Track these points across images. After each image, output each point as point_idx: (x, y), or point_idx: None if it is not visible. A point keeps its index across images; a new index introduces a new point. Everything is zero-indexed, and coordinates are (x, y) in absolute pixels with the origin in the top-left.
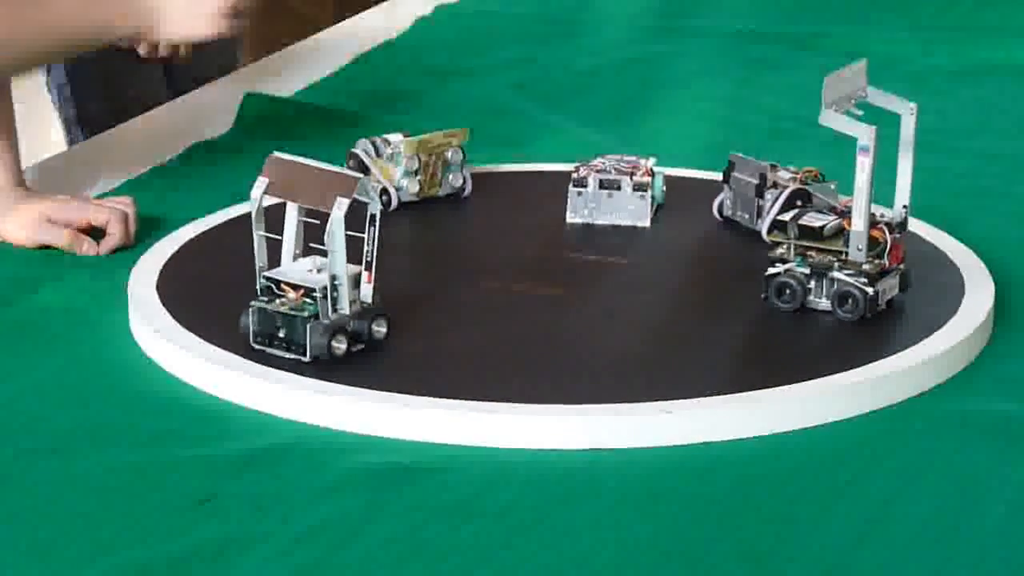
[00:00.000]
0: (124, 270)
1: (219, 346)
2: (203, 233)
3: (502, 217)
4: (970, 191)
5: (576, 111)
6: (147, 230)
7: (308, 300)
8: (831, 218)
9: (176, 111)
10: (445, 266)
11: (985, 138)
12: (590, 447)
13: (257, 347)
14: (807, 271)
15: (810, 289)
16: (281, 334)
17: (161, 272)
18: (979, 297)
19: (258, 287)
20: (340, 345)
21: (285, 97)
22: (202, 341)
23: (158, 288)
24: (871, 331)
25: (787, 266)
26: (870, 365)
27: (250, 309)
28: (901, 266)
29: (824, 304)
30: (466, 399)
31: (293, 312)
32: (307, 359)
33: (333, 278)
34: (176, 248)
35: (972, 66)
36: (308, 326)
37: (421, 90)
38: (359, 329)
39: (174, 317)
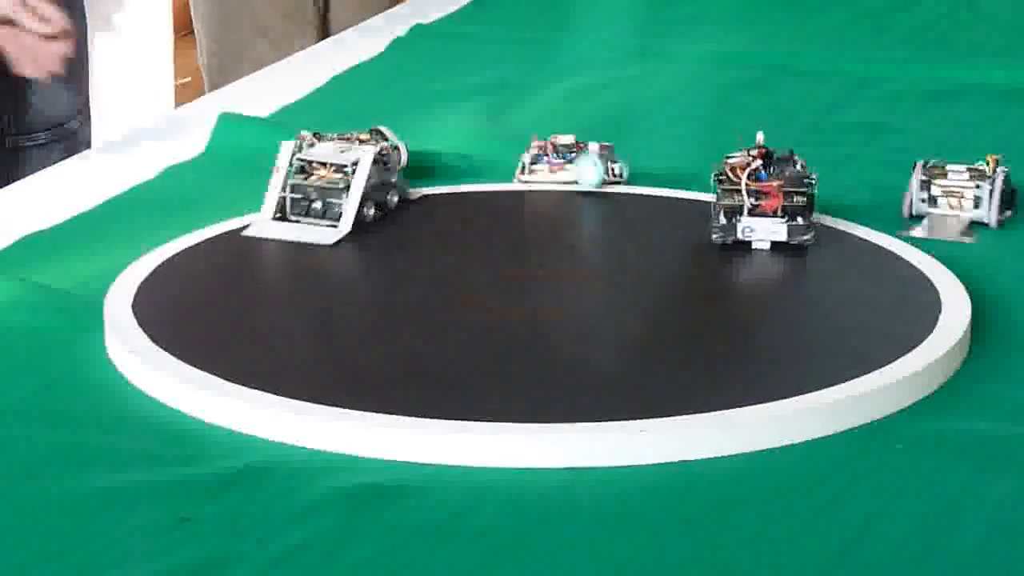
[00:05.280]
0: (99, 290)
1: (195, 366)
2: (178, 253)
3: (475, 236)
4: None
5: (552, 133)
6: (122, 250)
7: (338, 175)
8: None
9: (150, 132)
10: (419, 286)
11: (961, 158)
12: (566, 466)
13: (293, 218)
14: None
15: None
16: (316, 206)
17: (137, 292)
18: (956, 315)
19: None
20: (370, 211)
21: (260, 118)
22: (178, 361)
23: (134, 308)
24: (848, 349)
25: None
26: (847, 383)
27: (288, 183)
28: (799, 219)
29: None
30: (442, 418)
31: (328, 185)
32: (341, 226)
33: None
34: (151, 268)
35: (947, 87)
36: (344, 197)
37: (397, 111)
38: (380, 199)
39: (150, 337)
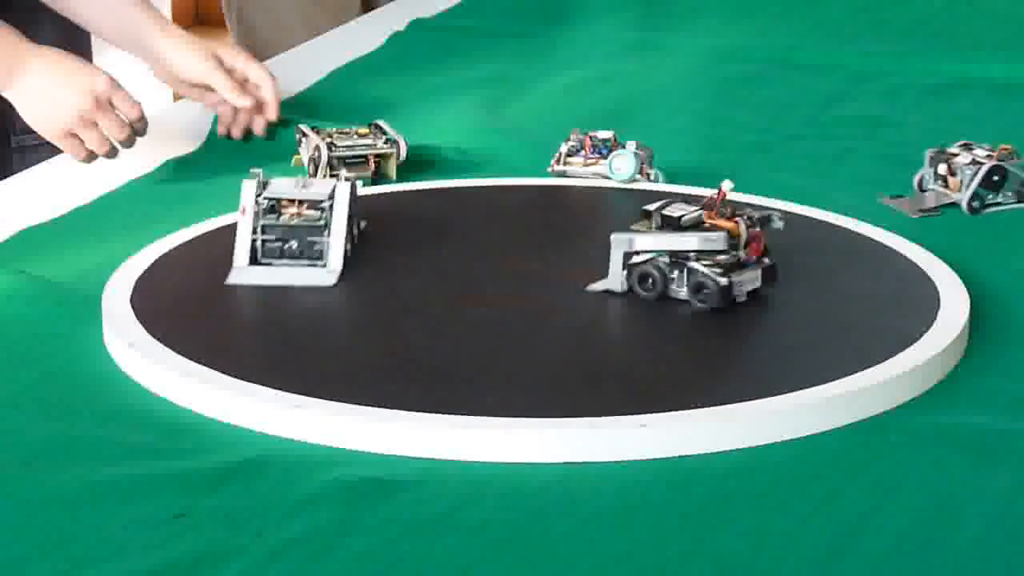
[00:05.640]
0: (98, 284)
1: (193, 359)
2: (176, 247)
3: (475, 231)
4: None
5: (551, 127)
6: (121, 244)
7: (314, 212)
8: (691, 209)
9: (149, 127)
10: (419, 280)
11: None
12: (565, 461)
13: (264, 262)
14: (668, 260)
15: (672, 279)
16: (293, 246)
17: (134, 286)
18: (954, 310)
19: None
20: (348, 245)
21: None
22: (176, 354)
23: (131, 301)
24: (847, 344)
25: (650, 255)
26: (845, 378)
27: (259, 224)
28: (765, 259)
29: (683, 293)
30: (440, 413)
31: (306, 223)
32: (324, 264)
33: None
34: (149, 262)
35: (947, 81)
36: (325, 234)
37: (396, 106)
38: (351, 230)
39: (147, 330)
